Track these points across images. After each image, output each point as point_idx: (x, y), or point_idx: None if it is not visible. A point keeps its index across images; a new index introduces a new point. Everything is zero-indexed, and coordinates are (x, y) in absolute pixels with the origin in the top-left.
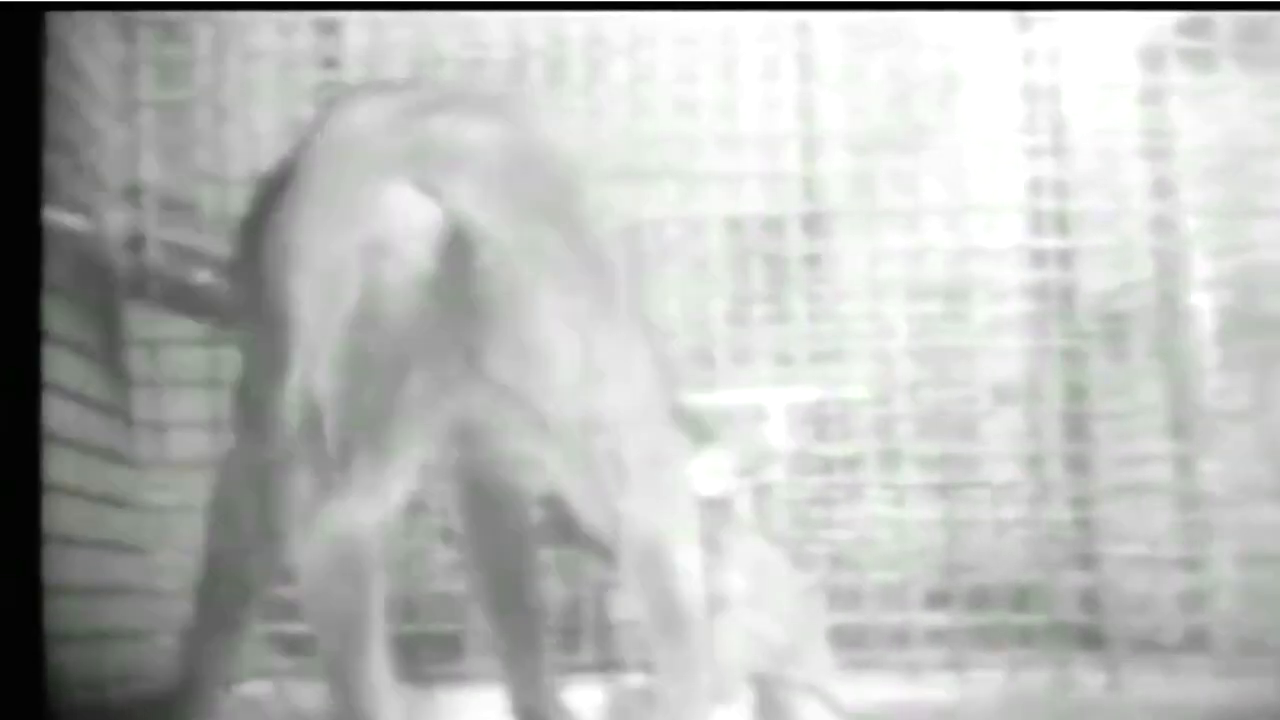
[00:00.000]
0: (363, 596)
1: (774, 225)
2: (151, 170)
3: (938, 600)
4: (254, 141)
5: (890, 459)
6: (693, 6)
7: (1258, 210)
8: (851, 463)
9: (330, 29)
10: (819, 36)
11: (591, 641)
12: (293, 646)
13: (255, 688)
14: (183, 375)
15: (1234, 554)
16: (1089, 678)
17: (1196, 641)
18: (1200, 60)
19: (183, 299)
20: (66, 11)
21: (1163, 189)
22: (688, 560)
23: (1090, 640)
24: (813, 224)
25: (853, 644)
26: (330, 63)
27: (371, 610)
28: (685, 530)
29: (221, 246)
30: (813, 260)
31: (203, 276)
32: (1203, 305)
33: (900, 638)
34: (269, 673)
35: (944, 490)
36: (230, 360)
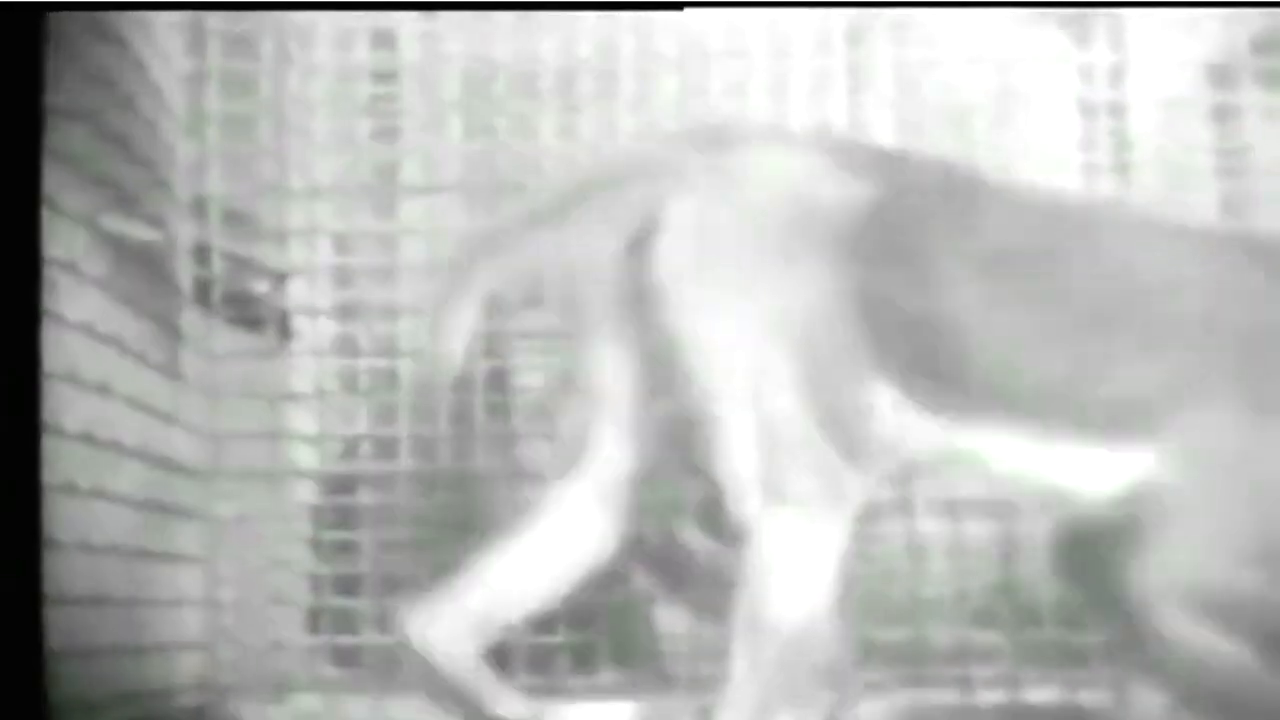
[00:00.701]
0: None
1: None
2: (218, 183)
3: (987, 618)
4: (312, 154)
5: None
6: (719, 5)
7: None
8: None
9: (386, 41)
10: (872, 50)
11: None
12: (344, 658)
13: (307, 700)
14: (243, 386)
15: None
16: (1145, 696)
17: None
18: (1273, 78)
19: (244, 310)
20: (66, 12)
21: (1231, 207)
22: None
23: None
24: None
25: (904, 660)
26: (386, 76)
27: None
28: None
29: (280, 258)
30: None
31: (261, 287)
32: None
33: (953, 655)
34: (320, 685)
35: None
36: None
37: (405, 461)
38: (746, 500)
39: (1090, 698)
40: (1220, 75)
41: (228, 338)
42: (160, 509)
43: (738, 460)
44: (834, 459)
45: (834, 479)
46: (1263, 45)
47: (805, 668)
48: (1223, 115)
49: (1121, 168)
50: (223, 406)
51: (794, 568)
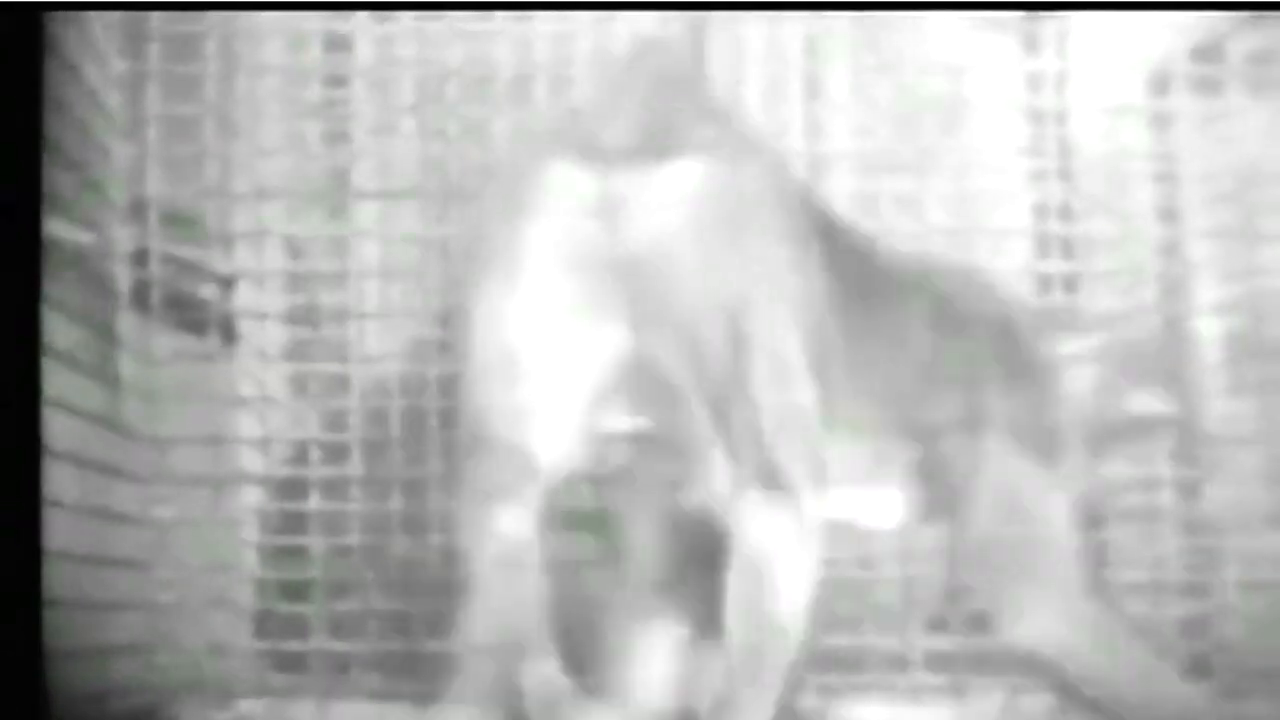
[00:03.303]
0: None
1: None
2: (157, 185)
3: (938, 624)
4: (259, 156)
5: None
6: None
7: (1264, 236)
8: None
9: (339, 45)
10: (826, 57)
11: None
12: (290, 663)
13: (251, 705)
14: (184, 390)
15: (1236, 580)
16: None
17: (1199, 667)
18: (1209, 86)
19: (185, 314)
20: (66, 11)
21: (1168, 214)
22: None
23: None
24: None
25: (852, 668)
26: (338, 81)
27: None
28: None
29: (226, 262)
30: None
31: (206, 291)
32: (1209, 330)
33: (900, 662)
34: (265, 690)
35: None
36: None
37: (356, 467)
38: (740, 484)
39: (1031, 703)
40: (1160, 82)
41: (168, 342)
42: (97, 514)
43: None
44: (819, 451)
45: (820, 470)
46: (1202, 53)
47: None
48: (1162, 122)
49: (1065, 174)
50: (162, 411)
51: (788, 555)
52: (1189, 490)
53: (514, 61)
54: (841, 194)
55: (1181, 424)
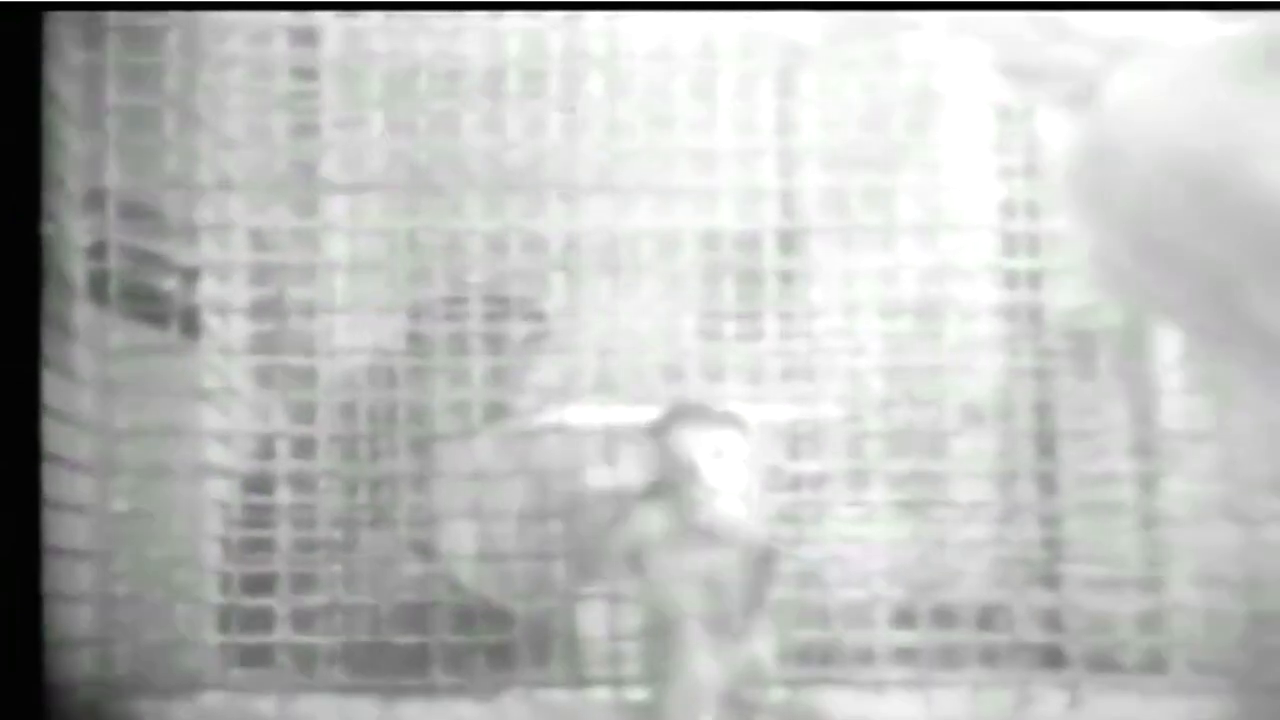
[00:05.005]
0: None
1: (748, 241)
2: (115, 176)
3: (905, 619)
4: (224, 149)
5: (860, 477)
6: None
7: None
8: (820, 480)
9: (307, 38)
10: (799, 52)
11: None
12: (253, 657)
13: (212, 698)
14: (145, 382)
15: (1191, 575)
16: (1050, 697)
17: (1155, 662)
18: None
19: (145, 306)
20: (67, 11)
21: None
22: None
23: (1052, 660)
24: (787, 241)
25: (820, 661)
26: (306, 73)
27: None
28: None
29: (189, 254)
30: (786, 277)
31: (168, 283)
32: (1168, 325)
33: (866, 656)
34: (226, 684)
35: (912, 508)
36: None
37: (323, 461)
38: None
39: (996, 700)
40: None
41: (126, 334)
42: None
43: None
44: None
45: None
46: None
47: None
48: None
49: (1030, 170)
50: (120, 403)
51: None
52: (1147, 485)
53: (485, 55)
54: (812, 190)
55: (1141, 418)
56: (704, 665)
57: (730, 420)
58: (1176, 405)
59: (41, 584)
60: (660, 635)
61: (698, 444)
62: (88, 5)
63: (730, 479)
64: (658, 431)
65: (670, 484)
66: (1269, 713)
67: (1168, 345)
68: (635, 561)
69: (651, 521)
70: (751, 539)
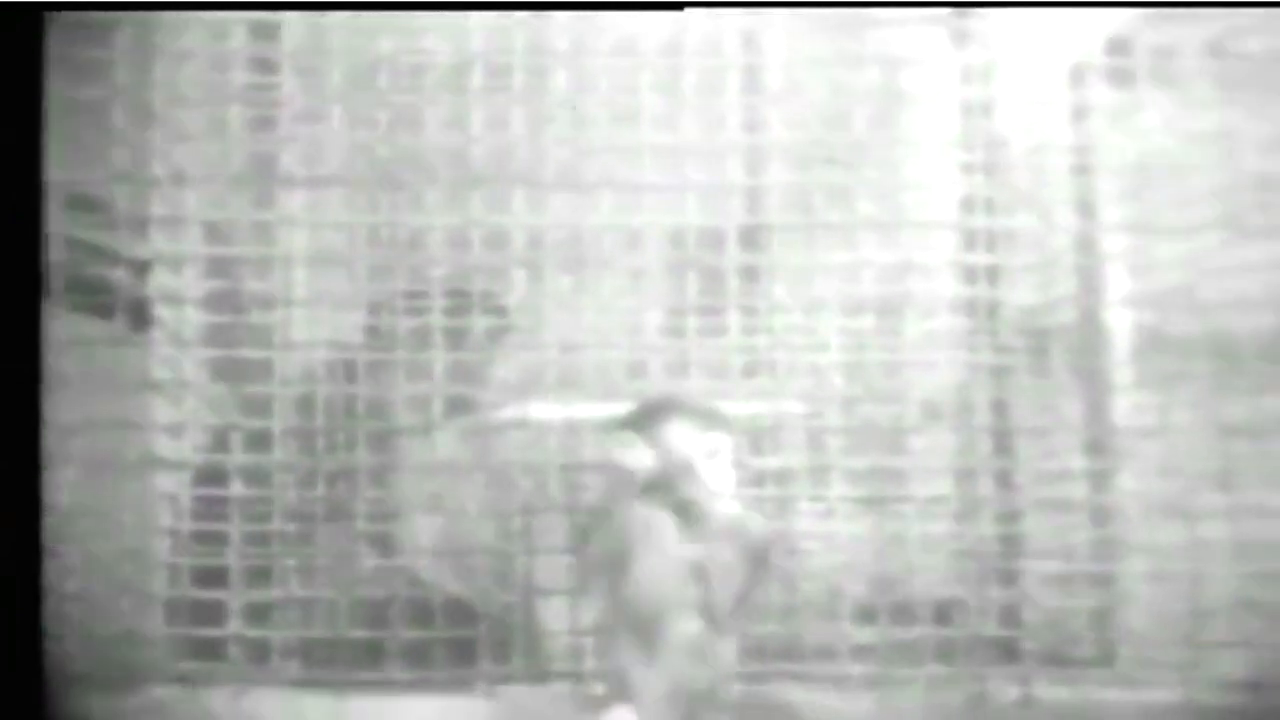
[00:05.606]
0: None
1: (712, 238)
2: (59, 169)
3: (865, 615)
4: (176, 142)
5: (821, 473)
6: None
7: (1168, 230)
8: (783, 476)
9: (267, 32)
10: (763, 50)
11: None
12: (202, 650)
13: (165, 691)
14: (92, 376)
15: (1140, 570)
16: (1004, 691)
17: (1105, 655)
18: (1122, 78)
19: (92, 298)
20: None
21: (1085, 207)
22: None
23: (1008, 654)
24: (750, 237)
25: (781, 657)
26: (266, 66)
27: None
28: None
29: (141, 246)
30: (749, 273)
31: (118, 275)
32: (1119, 323)
33: (827, 652)
34: (178, 676)
35: (873, 504)
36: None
37: (279, 454)
38: None
39: (952, 695)
40: (1078, 76)
41: (70, 326)
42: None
43: None
44: None
45: None
46: (1116, 46)
47: None
48: (1080, 115)
49: (991, 167)
50: (64, 396)
51: None
52: (1100, 482)
53: (449, 50)
54: (775, 187)
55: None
56: (681, 663)
57: (719, 418)
58: (1129, 401)
59: None
60: (638, 633)
61: (691, 443)
62: (88, 5)
63: (726, 478)
64: (642, 427)
65: (664, 483)
66: (1212, 704)
67: (1121, 341)
68: (622, 561)
69: (645, 521)
70: (753, 535)
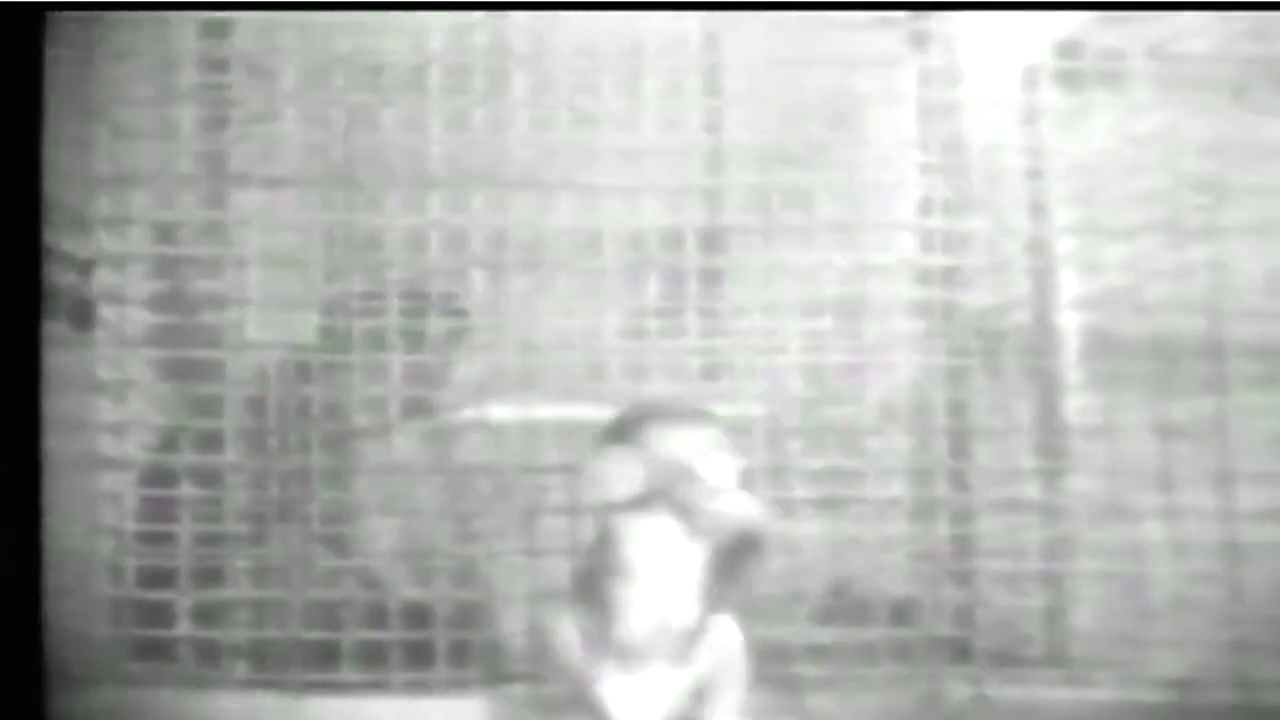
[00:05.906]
0: None
1: (671, 239)
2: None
3: (822, 615)
4: (125, 141)
5: (780, 474)
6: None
7: (1115, 232)
8: (743, 477)
9: (217, 31)
10: (724, 51)
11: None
12: (148, 651)
13: (110, 693)
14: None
15: (1088, 570)
16: (958, 691)
17: (1055, 655)
18: (1072, 81)
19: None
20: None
21: (1038, 209)
22: None
23: (961, 654)
24: (710, 239)
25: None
26: (217, 65)
27: None
28: None
29: (84, 246)
30: (709, 275)
31: (60, 275)
32: (1069, 325)
33: (783, 653)
34: (125, 678)
35: (830, 505)
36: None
37: (230, 455)
38: None
39: (907, 695)
40: (1030, 78)
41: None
42: None
43: None
44: None
45: None
46: (1068, 49)
47: None
48: (1031, 117)
49: (949, 170)
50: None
51: None
52: (1050, 482)
53: (407, 50)
54: (735, 189)
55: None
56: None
57: (701, 416)
58: (1079, 402)
59: None
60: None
61: (682, 445)
62: (88, 5)
63: (724, 474)
64: (627, 436)
65: (662, 489)
66: (1154, 701)
67: (1071, 343)
68: (628, 572)
69: (650, 530)
70: (755, 527)
